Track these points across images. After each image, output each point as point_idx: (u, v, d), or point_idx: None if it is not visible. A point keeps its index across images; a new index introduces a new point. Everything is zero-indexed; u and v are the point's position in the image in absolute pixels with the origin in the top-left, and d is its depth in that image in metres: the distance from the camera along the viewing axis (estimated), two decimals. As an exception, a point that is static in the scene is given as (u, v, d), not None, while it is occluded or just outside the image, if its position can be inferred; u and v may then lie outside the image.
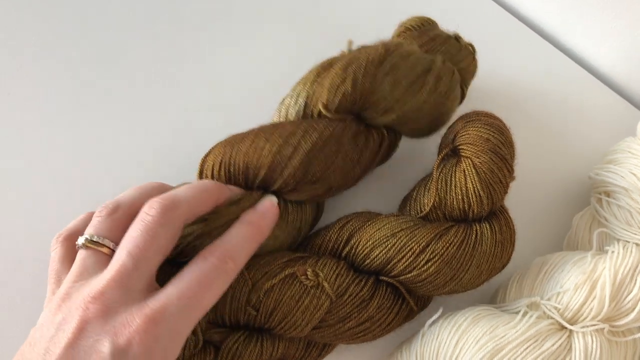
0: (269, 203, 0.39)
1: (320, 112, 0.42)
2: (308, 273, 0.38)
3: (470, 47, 0.49)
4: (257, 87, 0.52)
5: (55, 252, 0.35)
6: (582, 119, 0.57)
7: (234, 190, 0.39)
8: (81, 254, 0.33)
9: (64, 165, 0.49)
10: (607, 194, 0.46)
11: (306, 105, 0.42)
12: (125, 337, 0.28)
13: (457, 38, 0.49)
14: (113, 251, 0.33)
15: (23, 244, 0.45)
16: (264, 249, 0.39)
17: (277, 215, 0.39)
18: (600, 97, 0.60)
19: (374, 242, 0.40)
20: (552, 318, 0.40)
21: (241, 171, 0.41)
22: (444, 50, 0.47)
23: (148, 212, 0.32)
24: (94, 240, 0.33)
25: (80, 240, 0.33)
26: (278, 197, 0.41)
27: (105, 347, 0.27)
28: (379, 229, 0.41)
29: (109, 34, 0.55)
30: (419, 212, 0.43)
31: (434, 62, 0.43)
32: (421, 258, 0.39)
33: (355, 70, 0.41)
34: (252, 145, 0.40)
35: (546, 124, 0.56)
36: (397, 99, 0.42)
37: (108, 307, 0.29)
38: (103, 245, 0.33)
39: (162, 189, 0.38)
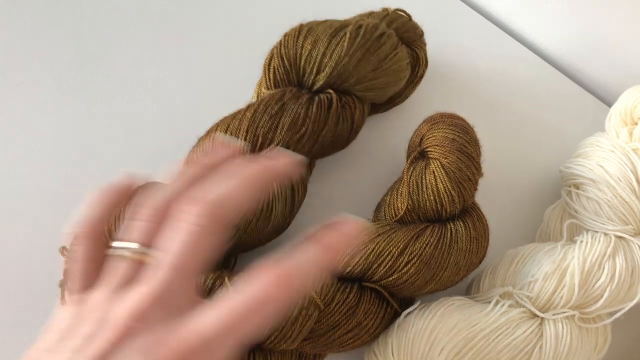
0: (354, 223, 0.28)
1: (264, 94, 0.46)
2: None
3: (404, 13, 0.53)
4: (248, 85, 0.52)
5: (79, 249, 0.29)
6: (555, 116, 0.59)
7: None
8: (120, 263, 0.28)
9: (51, 165, 0.49)
10: (577, 186, 0.47)
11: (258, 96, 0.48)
12: (155, 357, 0.25)
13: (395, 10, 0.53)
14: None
15: (14, 243, 0.46)
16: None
17: (356, 236, 0.28)
18: (573, 94, 0.61)
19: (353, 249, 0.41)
20: (523, 306, 0.41)
21: None
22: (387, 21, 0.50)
23: (192, 220, 0.27)
24: (139, 251, 0.28)
25: (124, 251, 0.28)
26: None
27: None
28: (356, 235, 0.41)
29: (92, 36, 0.55)
30: (393, 216, 0.44)
31: (349, 21, 0.47)
32: (400, 260, 0.40)
33: (278, 47, 0.47)
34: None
35: (520, 121, 0.58)
36: (323, 54, 0.45)
37: (144, 325, 0.26)
38: (147, 255, 0.28)
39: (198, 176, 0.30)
